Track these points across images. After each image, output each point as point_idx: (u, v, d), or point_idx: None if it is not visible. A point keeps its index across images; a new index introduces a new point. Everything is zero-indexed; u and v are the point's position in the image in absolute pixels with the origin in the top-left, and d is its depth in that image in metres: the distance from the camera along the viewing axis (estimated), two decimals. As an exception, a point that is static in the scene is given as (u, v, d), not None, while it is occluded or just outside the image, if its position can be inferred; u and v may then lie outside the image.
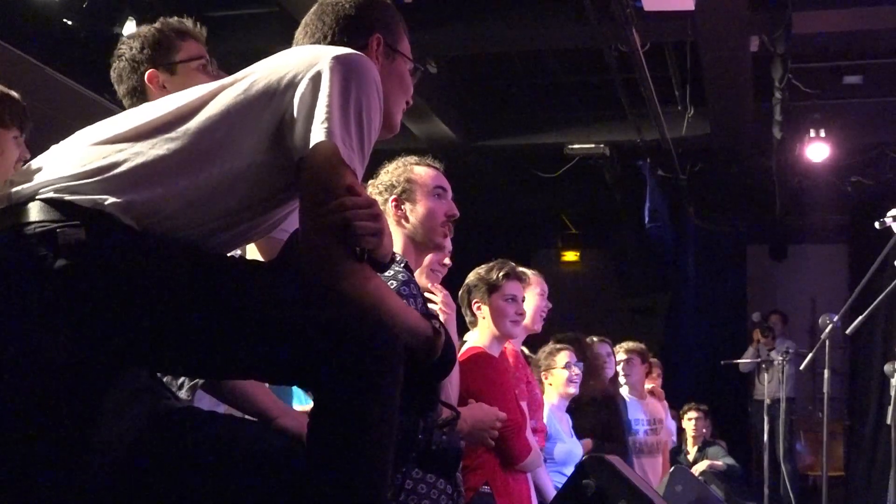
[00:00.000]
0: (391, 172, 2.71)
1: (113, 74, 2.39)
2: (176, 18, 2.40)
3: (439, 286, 3.04)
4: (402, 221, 2.65)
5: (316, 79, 1.64)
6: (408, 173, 2.69)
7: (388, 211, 2.64)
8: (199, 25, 2.44)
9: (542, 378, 4.35)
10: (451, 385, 2.77)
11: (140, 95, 2.32)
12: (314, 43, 1.86)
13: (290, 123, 1.64)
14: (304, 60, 1.69)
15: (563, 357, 4.38)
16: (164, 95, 2.20)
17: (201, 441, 1.69)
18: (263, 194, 1.69)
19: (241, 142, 1.65)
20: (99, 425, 1.63)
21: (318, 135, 1.59)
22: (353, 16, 1.86)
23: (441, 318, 2.96)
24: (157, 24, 2.39)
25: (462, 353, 3.23)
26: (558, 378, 4.36)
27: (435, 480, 2.49)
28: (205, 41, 2.44)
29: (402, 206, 2.65)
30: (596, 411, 4.80)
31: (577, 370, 4.39)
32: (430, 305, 2.89)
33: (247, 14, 6.60)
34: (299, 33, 1.91)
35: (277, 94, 1.66)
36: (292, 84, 1.65)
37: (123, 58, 2.35)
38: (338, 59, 1.67)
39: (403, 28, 1.94)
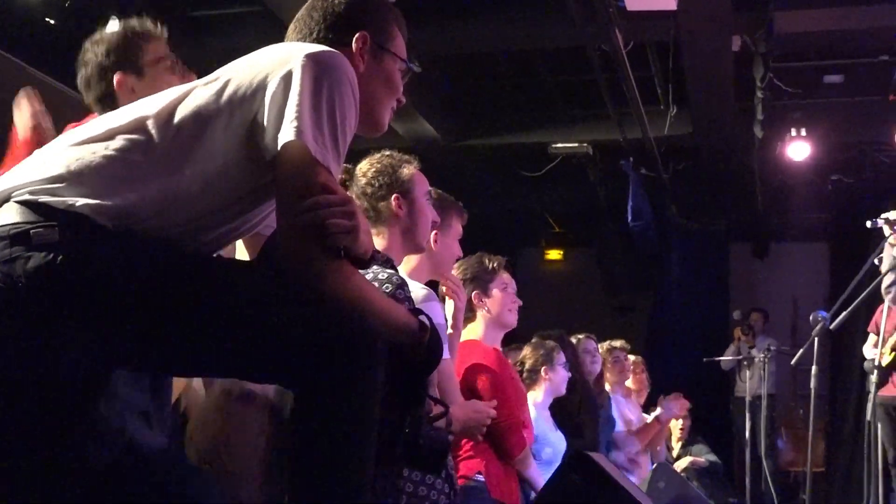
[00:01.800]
0: (394, 166, 2.69)
1: (80, 82, 2.38)
2: (137, 20, 2.38)
3: (452, 274, 3.10)
4: (402, 219, 2.66)
5: (287, 78, 1.63)
6: (411, 173, 2.69)
7: (390, 206, 2.64)
8: (160, 26, 2.42)
9: (543, 374, 4.34)
10: (449, 381, 2.78)
11: (110, 101, 2.31)
12: (301, 39, 1.85)
13: (261, 124, 1.63)
14: (276, 60, 1.68)
15: (562, 356, 4.40)
16: (133, 99, 2.19)
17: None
18: (240, 194, 1.68)
19: (213, 143, 1.65)
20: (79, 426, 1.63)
21: (287, 134, 1.58)
22: (340, 13, 1.86)
23: (452, 305, 3.01)
24: (118, 29, 2.39)
25: (461, 347, 3.23)
26: (558, 376, 4.37)
27: (433, 481, 2.51)
28: (167, 41, 2.43)
29: (404, 205, 2.66)
30: (573, 408, 4.79)
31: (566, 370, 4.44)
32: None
33: (230, 13, 6.58)
34: (291, 28, 1.90)
35: (248, 96, 1.65)
36: (263, 84, 1.65)
37: (90, 64, 2.34)
38: (310, 57, 1.66)
39: (399, 27, 1.93)
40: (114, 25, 2.51)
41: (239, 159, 1.65)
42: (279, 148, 1.59)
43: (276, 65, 1.67)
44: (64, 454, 1.63)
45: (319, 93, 1.62)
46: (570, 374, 4.42)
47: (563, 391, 4.44)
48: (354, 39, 1.84)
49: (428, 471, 2.46)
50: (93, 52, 2.34)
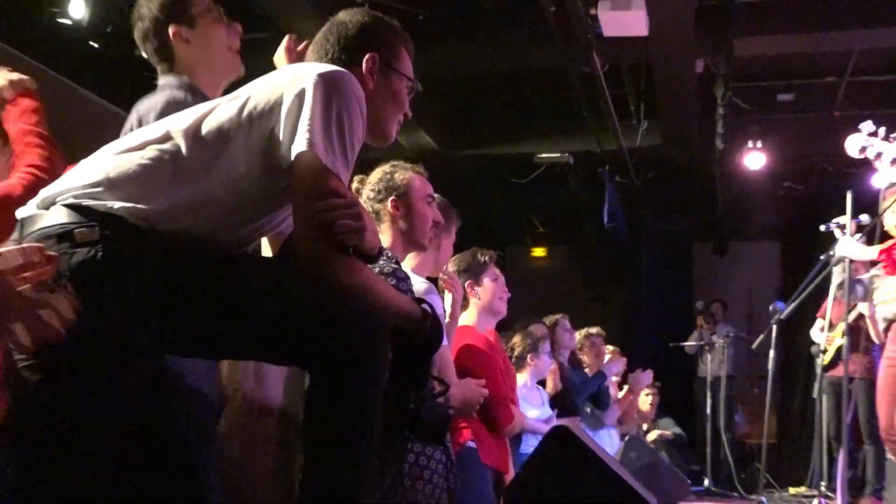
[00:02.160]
0: (393, 174, 2.68)
1: (137, 35, 2.29)
2: None
3: (450, 271, 3.10)
4: (399, 220, 2.64)
5: (301, 95, 1.62)
6: (408, 178, 2.68)
7: (387, 208, 2.63)
8: None
9: (529, 360, 4.33)
10: (447, 364, 2.78)
11: (167, 52, 2.24)
12: (318, 59, 1.84)
13: (278, 136, 1.62)
14: (291, 79, 1.67)
15: (547, 346, 4.41)
16: (187, 48, 2.18)
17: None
18: (260, 198, 1.67)
19: (235, 153, 1.64)
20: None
21: (301, 145, 1.58)
22: (353, 36, 1.85)
23: (450, 297, 3.01)
24: None
25: (456, 333, 3.23)
26: (542, 363, 4.36)
27: (433, 452, 2.50)
28: None
29: (400, 207, 2.64)
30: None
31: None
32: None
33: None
34: (309, 50, 1.89)
35: (266, 111, 1.64)
36: (280, 101, 1.64)
37: (145, 19, 2.25)
38: (321, 76, 1.65)
39: (406, 49, 1.91)
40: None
41: (258, 167, 1.64)
42: (293, 157, 1.58)
43: (291, 83, 1.66)
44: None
45: (329, 108, 1.61)
46: (552, 361, 4.42)
47: (546, 375, 4.44)
48: (365, 60, 1.83)
49: (431, 441, 2.45)
50: (147, 7, 2.26)
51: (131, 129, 2.08)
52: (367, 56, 1.82)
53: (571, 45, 6.18)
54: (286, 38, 2.36)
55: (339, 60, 1.81)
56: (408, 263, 2.80)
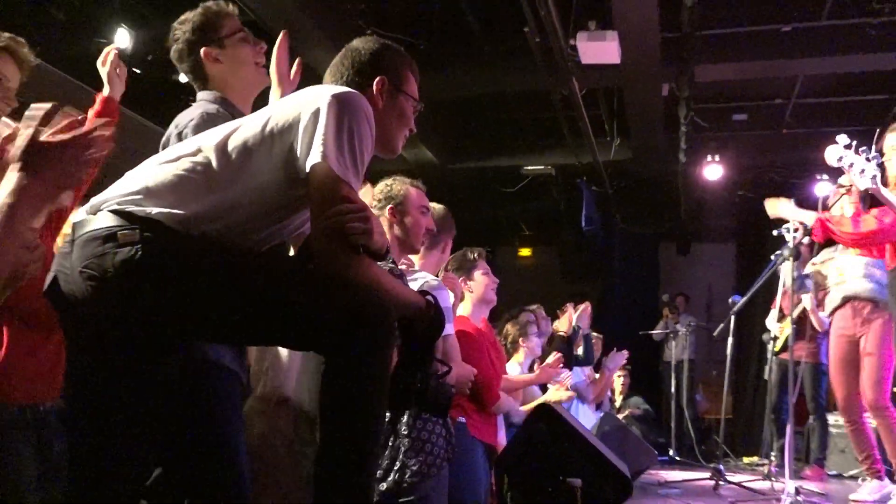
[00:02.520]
0: (391, 186, 2.71)
1: (173, 55, 2.28)
2: (214, 2, 2.28)
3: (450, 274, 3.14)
4: (395, 226, 2.66)
5: (316, 113, 1.63)
6: (405, 190, 2.70)
7: (385, 215, 2.65)
8: (231, 5, 2.32)
9: (521, 342, 4.37)
10: (453, 348, 2.80)
11: (200, 70, 2.23)
12: (334, 81, 1.84)
13: (296, 150, 1.62)
14: (308, 100, 1.67)
15: (534, 327, 4.45)
16: (219, 67, 2.17)
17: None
18: (281, 203, 1.67)
19: (259, 165, 1.64)
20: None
21: (316, 157, 1.58)
22: (366, 61, 1.84)
23: (452, 294, 3.04)
24: (199, 10, 2.27)
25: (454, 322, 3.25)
26: (532, 343, 4.40)
27: (434, 426, 2.50)
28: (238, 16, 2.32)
29: (397, 215, 2.66)
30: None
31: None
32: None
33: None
34: (327, 73, 1.89)
35: (286, 128, 1.64)
36: (298, 119, 1.64)
37: (179, 41, 2.24)
38: (334, 97, 1.65)
39: (412, 72, 1.90)
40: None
41: (280, 177, 1.64)
42: (309, 168, 1.59)
43: (308, 103, 1.66)
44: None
45: (341, 124, 1.61)
46: (542, 340, 4.45)
47: (539, 353, 4.46)
48: (375, 82, 1.82)
49: (436, 415, 2.45)
50: (181, 30, 2.24)
51: (170, 140, 2.08)
52: (377, 79, 1.82)
53: (553, 72, 6.20)
54: (281, 34, 2.30)
55: (353, 83, 1.81)
56: (418, 263, 2.83)
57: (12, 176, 1.32)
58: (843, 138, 3.31)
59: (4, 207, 1.30)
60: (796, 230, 4.22)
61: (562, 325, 5.60)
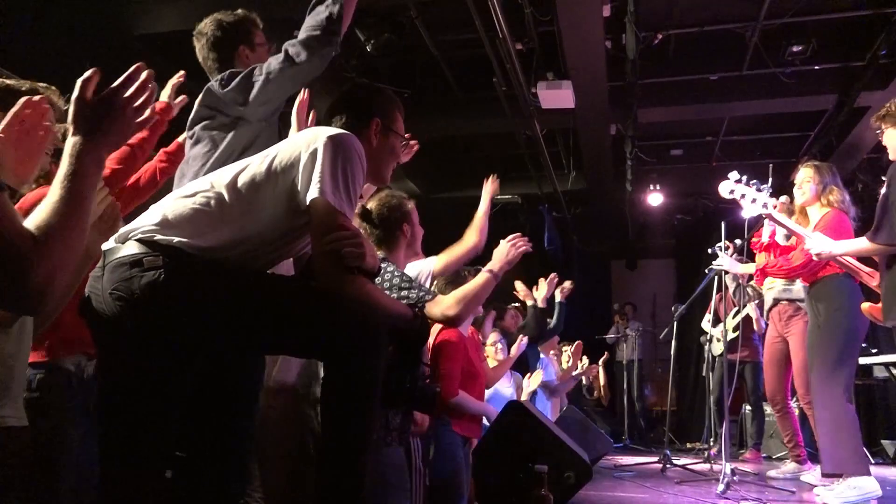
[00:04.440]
0: (400, 202, 2.70)
1: (206, 45, 2.25)
2: (245, 12, 2.29)
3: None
4: (406, 238, 2.70)
5: (314, 153, 1.62)
6: (409, 206, 2.72)
7: (401, 230, 2.67)
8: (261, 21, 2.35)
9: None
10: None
11: (228, 63, 2.22)
12: (333, 122, 1.84)
13: (297, 185, 1.62)
14: (307, 140, 1.67)
15: (490, 319, 4.51)
16: (246, 64, 2.18)
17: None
18: (285, 231, 1.66)
19: (265, 200, 1.63)
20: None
21: (314, 192, 1.58)
22: (360, 105, 1.84)
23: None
24: (239, 14, 2.27)
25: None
26: (487, 329, 4.46)
27: (396, 414, 2.47)
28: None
29: (407, 231, 2.69)
30: None
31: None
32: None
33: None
34: (326, 114, 1.89)
35: (288, 166, 1.64)
36: (298, 158, 1.64)
37: (221, 28, 2.23)
38: (329, 138, 1.65)
39: (400, 113, 1.91)
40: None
41: (284, 209, 1.63)
42: (309, 201, 1.58)
43: (307, 144, 1.65)
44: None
45: (336, 162, 1.61)
46: (496, 330, 4.54)
47: (498, 339, 4.51)
48: (370, 124, 1.83)
49: (423, 412, 2.42)
50: (215, 24, 2.24)
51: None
52: (373, 121, 1.83)
53: (518, 116, 6.25)
54: (305, 92, 2.33)
55: (347, 125, 1.81)
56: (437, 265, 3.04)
57: (70, 143, 1.24)
58: (734, 174, 3.44)
59: (70, 174, 1.20)
60: (727, 248, 4.29)
61: (539, 296, 5.76)
